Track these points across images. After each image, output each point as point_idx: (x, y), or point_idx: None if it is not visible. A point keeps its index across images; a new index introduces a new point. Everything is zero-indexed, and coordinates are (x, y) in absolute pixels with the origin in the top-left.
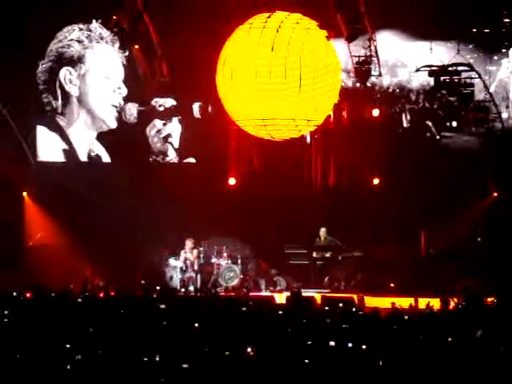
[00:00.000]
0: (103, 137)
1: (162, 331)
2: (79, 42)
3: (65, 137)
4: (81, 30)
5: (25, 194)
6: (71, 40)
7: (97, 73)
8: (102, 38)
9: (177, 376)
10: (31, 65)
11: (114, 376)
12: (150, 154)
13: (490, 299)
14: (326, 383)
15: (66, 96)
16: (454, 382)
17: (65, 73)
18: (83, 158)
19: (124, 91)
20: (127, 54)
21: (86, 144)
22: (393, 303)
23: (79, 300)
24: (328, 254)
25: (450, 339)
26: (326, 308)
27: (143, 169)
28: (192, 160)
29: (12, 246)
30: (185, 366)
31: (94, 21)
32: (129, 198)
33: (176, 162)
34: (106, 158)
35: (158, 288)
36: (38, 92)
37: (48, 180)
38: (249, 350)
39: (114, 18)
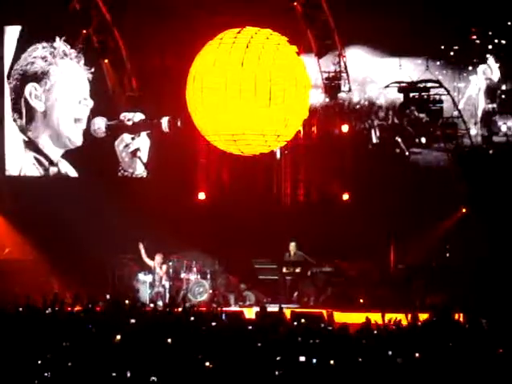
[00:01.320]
0: (71, 152)
1: (132, 346)
2: (43, 58)
3: (32, 151)
4: (44, 47)
5: None
6: (35, 57)
7: (62, 87)
8: (66, 55)
9: None
10: None
11: None
12: (118, 169)
13: (457, 315)
14: None
15: (32, 112)
16: None
17: (30, 88)
18: (51, 172)
19: (90, 103)
20: (93, 70)
21: (54, 159)
22: (367, 318)
23: (46, 315)
24: (297, 269)
25: (417, 355)
26: (295, 323)
27: (112, 183)
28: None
29: None
30: (153, 378)
31: (57, 38)
32: (97, 213)
33: (144, 176)
34: (73, 172)
35: (126, 302)
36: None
37: (16, 194)
38: (207, 363)
39: (84, 32)
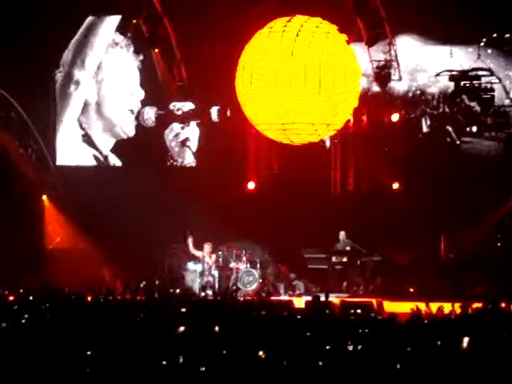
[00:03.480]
0: (121, 142)
1: (181, 335)
2: None
3: (86, 140)
4: None
5: (44, 197)
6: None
7: (114, 78)
8: (116, 44)
9: (194, 379)
10: (49, 68)
11: (134, 379)
12: (168, 158)
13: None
14: None
15: (84, 103)
16: None
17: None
18: (103, 161)
19: (141, 94)
20: (142, 58)
21: (105, 149)
22: (416, 307)
23: (97, 304)
24: (346, 259)
25: (465, 345)
26: (345, 313)
27: (161, 173)
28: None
29: (32, 249)
30: (202, 369)
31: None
32: (147, 202)
33: (194, 165)
34: (123, 162)
35: (177, 292)
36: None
37: (67, 184)
38: (260, 353)
39: (134, 21)
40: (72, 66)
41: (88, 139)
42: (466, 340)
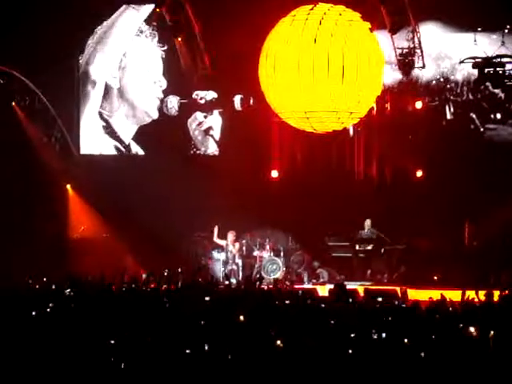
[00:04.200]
0: (144, 129)
1: (205, 323)
2: None
3: (107, 130)
4: None
5: (68, 186)
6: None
7: (137, 65)
8: (141, 32)
9: (218, 368)
10: (72, 56)
11: (158, 368)
12: (191, 147)
13: None
14: (369, 375)
15: (107, 89)
16: (495, 374)
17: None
18: (125, 150)
19: (164, 84)
20: (166, 47)
21: (127, 137)
22: (441, 295)
23: (120, 293)
24: (370, 247)
25: (492, 332)
26: (369, 301)
27: (184, 161)
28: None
29: (57, 238)
30: (227, 357)
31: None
32: (170, 191)
33: (217, 154)
34: (145, 151)
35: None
36: (79, 85)
37: (91, 173)
38: (278, 342)
39: (157, 10)
40: (96, 54)
41: (110, 129)
42: (472, 329)
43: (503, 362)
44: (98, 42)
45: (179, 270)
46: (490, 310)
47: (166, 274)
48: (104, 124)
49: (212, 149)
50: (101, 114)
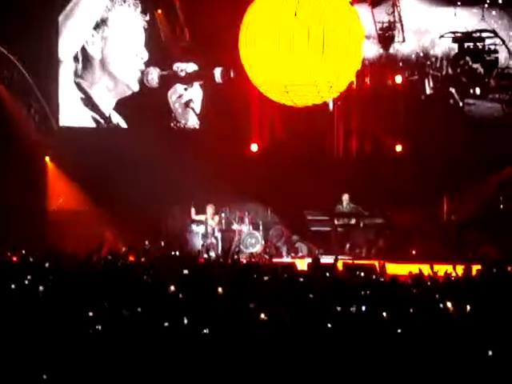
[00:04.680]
0: (124, 102)
1: (184, 297)
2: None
3: (86, 102)
4: None
5: (47, 158)
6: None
7: (119, 36)
8: (124, 1)
9: (197, 341)
10: (52, 26)
11: (136, 341)
12: (171, 119)
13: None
14: (347, 348)
15: (89, 59)
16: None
17: (88, 36)
18: (104, 123)
19: (145, 56)
20: (148, 18)
21: (107, 109)
22: (419, 269)
23: (99, 265)
24: (349, 221)
25: (469, 307)
26: (347, 275)
27: (164, 134)
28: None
29: (35, 210)
30: (205, 331)
31: None
32: (150, 164)
33: (197, 127)
34: (125, 124)
35: (178, 254)
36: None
37: (70, 145)
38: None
39: None
40: (76, 21)
41: (90, 101)
42: (449, 304)
43: (479, 337)
44: (74, 7)
45: (159, 243)
46: (467, 285)
47: (145, 247)
48: (83, 96)
49: (192, 121)
50: (80, 85)
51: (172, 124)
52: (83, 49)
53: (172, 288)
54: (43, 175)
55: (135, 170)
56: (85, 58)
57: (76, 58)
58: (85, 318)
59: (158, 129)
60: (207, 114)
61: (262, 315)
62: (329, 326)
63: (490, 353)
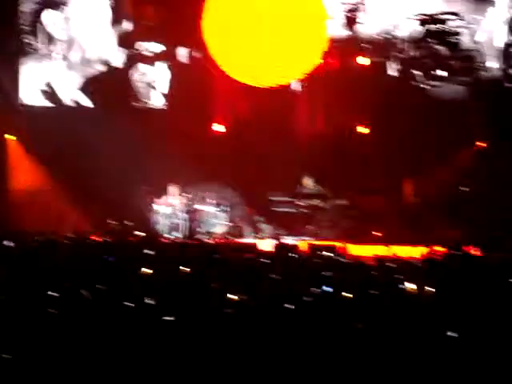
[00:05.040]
0: (88, 81)
1: (148, 277)
2: None
3: (49, 81)
4: None
5: (10, 137)
6: None
7: (82, 15)
8: None
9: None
10: (14, 4)
11: (99, 321)
12: (135, 100)
13: (474, 250)
14: (309, 329)
15: (51, 39)
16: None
17: (48, 16)
18: (67, 102)
19: (110, 34)
20: None
21: (72, 88)
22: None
23: (63, 245)
24: (313, 202)
25: (429, 288)
26: (310, 255)
27: (129, 114)
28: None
29: None
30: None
31: None
32: (115, 144)
33: (161, 107)
34: (89, 103)
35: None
36: (21, 33)
37: (32, 124)
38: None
39: None
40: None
41: (54, 80)
42: (409, 286)
43: (441, 319)
44: None
45: (123, 223)
46: (429, 267)
47: (109, 227)
48: (48, 74)
49: (156, 101)
50: (44, 65)
51: (136, 104)
52: (45, 28)
53: (136, 268)
54: (5, 154)
55: (99, 149)
56: (47, 37)
57: (38, 37)
58: (46, 298)
59: (123, 109)
60: (171, 94)
61: (230, 295)
62: (291, 306)
63: (452, 334)
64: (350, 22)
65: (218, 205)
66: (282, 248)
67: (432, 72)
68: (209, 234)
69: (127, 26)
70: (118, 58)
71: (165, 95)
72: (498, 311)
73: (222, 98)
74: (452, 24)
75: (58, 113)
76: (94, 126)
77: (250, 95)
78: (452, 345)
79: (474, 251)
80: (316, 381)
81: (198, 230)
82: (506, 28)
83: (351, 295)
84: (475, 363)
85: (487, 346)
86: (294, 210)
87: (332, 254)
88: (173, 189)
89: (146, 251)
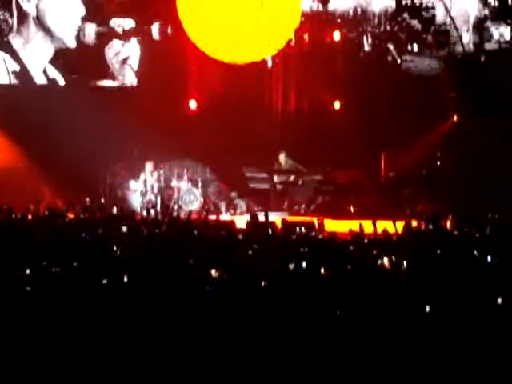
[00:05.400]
0: (60, 58)
1: (123, 254)
2: None
3: (19, 58)
4: None
5: None
6: None
7: None
8: None
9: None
10: None
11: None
12: (108, 77)
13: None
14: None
15: (23, 14)
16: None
17: None
18: (38, 80)
19: (81, 11)
20: None
21: (41, 66)
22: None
23: (36, 222)
24: (288, 178)
25: (405, 263)
26: (286, 232)
27: (101, 91)
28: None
29: None
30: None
31: None
32: (87, 121)
33: (135, 84)
34: (61, 80)
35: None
36: None
37: (3, 101)
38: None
39: None
40: None
41: (24, 57)
42: (385, 260)
43: (416, 293)
44: None
45: (98, 200)
46: (405, 242)
47: (84, 204)
48: (17, 52)
49: (130, 79)
50: (14, 42)
51: (109, 81)
52: (18, 4)
53: (111, 246)
54: None
55: (73, 127)
56: (20, 14)
57: (11, 14)
58: (21, 276)
59: (95, 86)
60: (145, 71)
61: (206, 272)
62: (266, 283)
63: (428, 309)
64: None
65: (193, 181)
66: (257, 225)
67: (406, 46)
68: (184, 210)
69: (100, 2)
70: (89, 34)
71: (138, 72)
72: (471, 286)
73: (196, 75)
74: None
75: (28, 90)
76: (67, 103)
77: (224, 72)
78: (427, 320)
79: (451, 226)
80: (292, 356)
81: (173, 207)
82: (478, 2)
83: (327, 271)
84: (451, 338)
85: (462, 322)
86: (269, 186)
87: (308, 230)
88: (147, 166)
89: (121, 229)
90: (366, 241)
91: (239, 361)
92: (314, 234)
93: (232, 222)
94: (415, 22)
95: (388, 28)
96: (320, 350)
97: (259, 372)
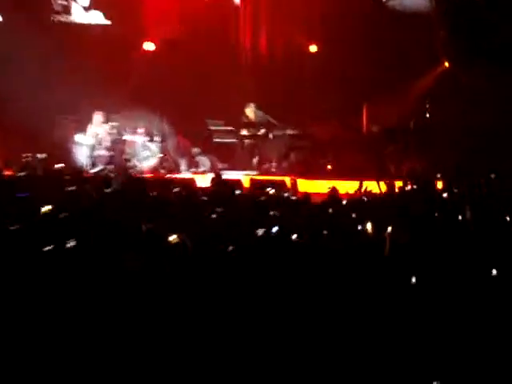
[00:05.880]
0: None
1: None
2: None
3: None
4: None
5: None
6: None
7: None
8: None
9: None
10: None
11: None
12: (51, 13)
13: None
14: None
15: None
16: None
17: None
18: None
19: None
20: None
21: None
22: (333, 187)
23: None
24: (258, 132)
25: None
26: (254, 192)
27: (45, 30)
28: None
29: None
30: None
31: None
32: (31, 65)
33: (83, 22)
34: (3, 17)
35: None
36: None
37: None
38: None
39: None
40: None
41: None
42: (369, 225)
43: (398, 258)
44: None
45: (40, 156)
46: (389, 203)
47: (24, 160)
48: None
49: (78, 16)
50: None
51: (54, 19)
52: None
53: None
54: None
55: (11, 71)
56: None
57: None
58: None
59: (38, 25)
60: (94, 7)
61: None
62: (230, 248)
63: (414, 280)
64: None
65: (149, 135)
66: (222, 184)
67: None
68: (138, 167)
69: None
70: None
71: (88, 8)
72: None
73: (154, 12)
74: None
75: None
76: (5, 43)
77: (185, 9)
78: (413, 292)
79: (438, 185)
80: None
81: (126, 163)
82: None
83: (300, 237)
84: (438, 310)
85: (450, 294)
86: (236, 141)
87: (279, 191)
88: (97, 117)
89: (66, 187)
90: (344, 202)
91: (202, 334)
92: (286, 195)
93: (193, 181)
94: None
95: None
96: (292, 326)
97: (225, 344)
